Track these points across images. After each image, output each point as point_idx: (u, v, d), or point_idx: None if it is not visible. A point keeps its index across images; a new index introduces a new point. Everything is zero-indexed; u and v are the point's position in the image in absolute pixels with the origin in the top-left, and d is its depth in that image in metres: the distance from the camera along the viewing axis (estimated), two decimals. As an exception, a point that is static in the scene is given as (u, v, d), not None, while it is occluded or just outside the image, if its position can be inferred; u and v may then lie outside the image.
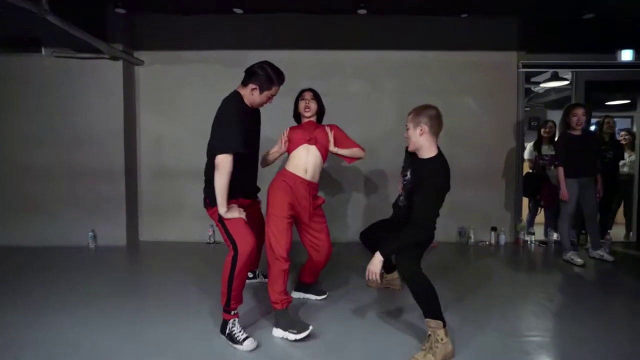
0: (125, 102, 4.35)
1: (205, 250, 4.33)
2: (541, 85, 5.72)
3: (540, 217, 5.02)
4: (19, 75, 4.25)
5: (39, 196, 4.35)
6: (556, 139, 4.17)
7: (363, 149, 2.84)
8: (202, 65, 4.53)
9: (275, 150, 2.74)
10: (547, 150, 4.77)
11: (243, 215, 2.25)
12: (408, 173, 2.45)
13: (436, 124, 2.20)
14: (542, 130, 4.82)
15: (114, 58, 4.22)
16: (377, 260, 2.14)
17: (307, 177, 2.61)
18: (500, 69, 4.54)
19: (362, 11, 3.92)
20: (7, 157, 4.33)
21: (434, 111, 2.21)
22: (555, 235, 4.52)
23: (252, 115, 2.46)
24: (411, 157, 2.37)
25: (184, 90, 4.56)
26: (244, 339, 2.23)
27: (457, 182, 4.88)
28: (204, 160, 2.37)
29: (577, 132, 3.78)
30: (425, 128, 2.17)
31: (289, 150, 2.69)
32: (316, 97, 2.79)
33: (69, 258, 3.96)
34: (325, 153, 2.72)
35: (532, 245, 4.56)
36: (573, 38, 4.46)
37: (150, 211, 4.68)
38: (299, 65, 4.33)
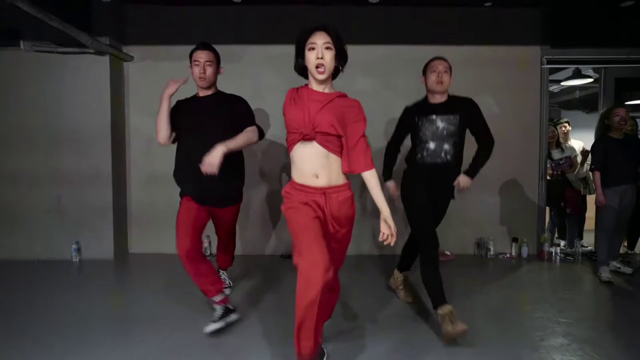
0: (112, 101, 3.98)
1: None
2: (562, 83, 5.33)
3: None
4: (-6, 70, 3.88)
5: (16, 204, 3.96)
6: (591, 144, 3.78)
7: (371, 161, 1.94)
8: (197, 61, 4.17)
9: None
10: (558, 154, 4.45)
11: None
12: (438, 119, 2.57)
13: None
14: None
15: (100, 53, 3.85)
16: (467, 179, 2.59)
17: (321, 183, 1.87)
18: (523, 65, 4.16)
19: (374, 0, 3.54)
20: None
21: None
22: (580, 245, 4.18)
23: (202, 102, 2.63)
24: (428, 107, 2.66)
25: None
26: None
27: (475, 189, 4.45)
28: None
29: (618, 135, 3.40)
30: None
31: (288, 149, 1.94)
32: (335, 41, 1.81)
33: (50, 273, 3.59)
34: (335, 144, 1.86)
35: (558, 257, 4.17)
36: (603, 31, 4.08)
37: (141, 221, 4.30)
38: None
